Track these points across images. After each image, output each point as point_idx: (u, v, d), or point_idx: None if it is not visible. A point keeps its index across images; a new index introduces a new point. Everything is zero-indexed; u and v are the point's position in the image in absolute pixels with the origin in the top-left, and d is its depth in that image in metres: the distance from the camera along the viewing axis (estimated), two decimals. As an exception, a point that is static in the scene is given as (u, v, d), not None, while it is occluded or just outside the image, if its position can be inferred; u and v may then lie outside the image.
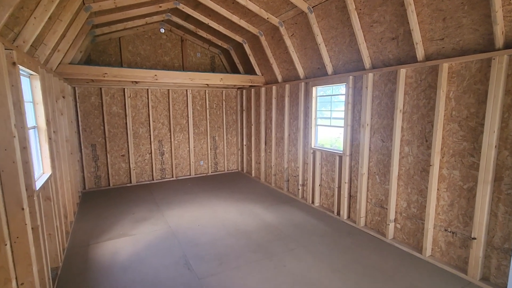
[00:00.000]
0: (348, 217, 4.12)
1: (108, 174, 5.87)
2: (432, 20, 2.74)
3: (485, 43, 2.50)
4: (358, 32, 3.40)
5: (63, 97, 4.18)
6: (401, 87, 3.20)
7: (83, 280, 2.75)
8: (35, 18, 2.32)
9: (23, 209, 1.92)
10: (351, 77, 3.83)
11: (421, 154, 3.11)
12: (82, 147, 5.57)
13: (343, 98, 4.14)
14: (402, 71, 3.17)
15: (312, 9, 3.79)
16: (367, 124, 3.67)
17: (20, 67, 2.21)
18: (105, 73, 4.46)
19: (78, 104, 5.45)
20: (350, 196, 4.08)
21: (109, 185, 5.90)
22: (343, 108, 4.08)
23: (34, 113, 2.79)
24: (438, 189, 2.96)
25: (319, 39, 3.97)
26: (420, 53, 2.95)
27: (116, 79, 4.63)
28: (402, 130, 3.28)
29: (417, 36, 2.88)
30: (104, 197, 5.29)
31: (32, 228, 2.14)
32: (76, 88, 5.40)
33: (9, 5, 1.76)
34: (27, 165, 2.09)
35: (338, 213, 4.25)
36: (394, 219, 3.45)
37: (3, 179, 1.83)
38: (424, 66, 2.97)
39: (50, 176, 2.88)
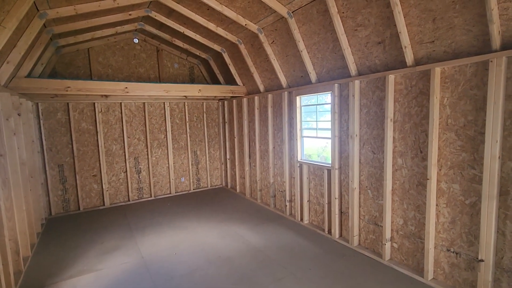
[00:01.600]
0: (340, 235, 3.80)
1: (77, 197, 5.33)
2: (421, 21, 2.53)
3: (479, 45, 2.29)
4: (341, 37, 3.17)
5: (19, 114, 3.71)
6: (390, 95, 2.96)
7: (28, 337, 2.26)
8: (-41, 22, 1.92)
9: None
10: (336, 85, 3.58)
11: (416, 167, 2.85)
12: (47, 169, 5.04)
13: (329, 107, 3.88)
14: (391, 77, 2.94)
15: (292, 14, 3.55)
16: (356, 135, 3.40)
17: None
18: (68, 87, 4.03)
19: (41, 121, 4.95)
20: (341, 212, 3.77)
21: (79, 209, 5.35)
22: (329, 117, 3.81)
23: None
24: (437, 205, 2.69)
25: (301, 45, 3.73)
26: (409, 57, 2.72)
27: (82, 93, 4.20)
28: (394, 141, 3.02)
29: (405, 39, 2.66)
30: (72, 223, 4.75)
31: None
32: (39, 104, 4.92)
33: None
34: None
35: (329, 232, 3.92)
36: (391, 237, 3.14)
37: None
38: (414, 71, 2.74)
39: (-11, 209, 2.41)
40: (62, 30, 3.97)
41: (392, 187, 3.08)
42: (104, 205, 5.57)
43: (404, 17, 2.61)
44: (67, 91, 4.04)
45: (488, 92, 2.22)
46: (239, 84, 5.64)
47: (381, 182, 3.20)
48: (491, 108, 2.21)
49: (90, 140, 5.38)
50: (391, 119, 3.00)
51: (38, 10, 3.19)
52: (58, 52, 4.90)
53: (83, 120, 5.30)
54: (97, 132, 5.40)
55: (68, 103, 5.12)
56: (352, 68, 3.31)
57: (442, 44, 2.50)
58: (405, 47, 2.68)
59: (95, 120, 5.38)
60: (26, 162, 3.84)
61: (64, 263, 3.42)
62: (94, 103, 5.33)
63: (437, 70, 2.54)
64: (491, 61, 2.18)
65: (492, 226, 2.27)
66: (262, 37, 4.17)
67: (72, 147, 5.21)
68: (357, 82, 3.31)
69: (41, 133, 4.95)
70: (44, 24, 3.48)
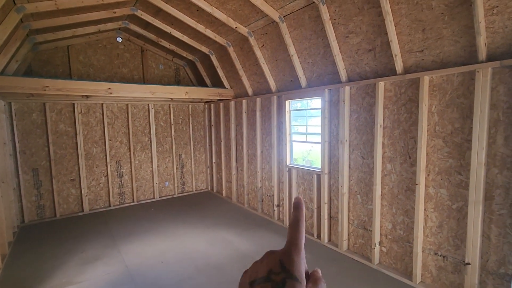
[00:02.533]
0: (329, 240, 3.82)
1: (53, 202, 5.01)
2: (411, 31, 2.60)
3: (466, 55, 2.38)
4: (333, 43, 3.20)
5: (-10, 115, 3.44)
6: (380, 101, 3.02)
7: None
8: None
9: None
10: (326, 90, 3.61)
11: (404, 172, 2.91)
12: (20, 173, 4.70)
13: (318, 112, 3.91)
14: (381, 84, 3.00)
15: (283, 18, 3.55)
16: (346, 140, 3.44)
17: None
18: (46, 86, 3.79)
19: (15, 122, 4.62)
20: (330, 217, 3.79)
21: (55, 215, 5.04)
22: (319, 122, 3.83)
23: None
24: (425, 209, 2.76)
25: (292, 50, 3.73)
26: (399, 65, 2.79)
27: (61, 93, 3.97)
28: (384, 146, 3.08)
29: (395, 47, 2.72)
30: (47, 231, 4.46)
31: None
32: (12, 104, 4.59)
33: None
34: None
35: (319, 236, 3.93)
36: (380, 242, 3.19)
37: None
38: (403, 79, 2.81)
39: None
40: (41, 25, 3.74)
41: (381, 192, 3.13)
42: (83, 211, 5.28)
43: (395, 26, 2.67)
44: (45, 91, 3.79)
45: (475, 101, 2.31)
46: (226, 87, 5.57)
47: (370, 187, 3.25)
48: (477, 117, 2.30)
49: (68, 142, 5.09)
50: (380, 125, 3.06)
51: (15, 3, 2.98)
52: (34, 49, 4.61)
53: (61, 121, 5.01)
54: (76, 134, 5.12)
55: (44, 104, 4.83)
56: (343, 74, 3.35)
57: (430, 54, 2.58)
58: (395, 55, 2.75)
59: (75, 122, 5.10)
60: (-2, 167, 3.56)
61: (40, 275, 3.18)
62: (73, 103, 5.06)
63: (425, 79, 2.62)
64: (477, 72, 2.28)
65: (478, 230, 2.36)
66: (252, 40, 4.15)
67: (49, 149, 4.91)
68: (347, 88, 3.36)
69: (14, 135, 4.62)
70: (21, 19, 3.25)
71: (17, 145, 4.64)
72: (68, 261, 3.49)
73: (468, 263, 2.41)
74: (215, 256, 3.53)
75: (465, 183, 2.47)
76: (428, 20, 2.47)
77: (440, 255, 2.68)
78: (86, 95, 4.64)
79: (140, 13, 4.30)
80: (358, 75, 3.27)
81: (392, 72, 2.91)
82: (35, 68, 4.84)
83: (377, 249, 3.18)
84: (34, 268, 3.34)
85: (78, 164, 5.18)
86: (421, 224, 2.76)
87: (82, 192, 5.24)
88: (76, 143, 5.15)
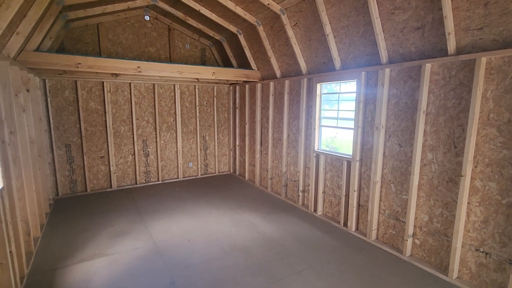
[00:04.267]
0: (357, 229, 3.71)
1: (85, 178, 5.22)
2: (471, 5, 2.33)
3: (535, 34, 2.10)
4: (375, 21, 2.96)
5: (27, 90, 3.54)
6: (425, 85, 2.79)
7: (43, 321, 2.19)
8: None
9: None
10: (363, 72, 3.39)
11: (447, 162, 2.71)
12: (54, 148, 4.90)
13: (349, 96, 3.71)
14: (427, 66, 2.75)
15: (321, -7, 3.31)
16: (382, 126, 3.24)
17: None
18: (79, 63, 3.83)
19: (49, 99, 4.76)
20: (359, 205, 3.67)
21: (86, 190, 5.26)
22: (350, 106, 3.64)
23: (-22, 110, 2.18)
24: (469, 203, 2.57)
25: (328, 29, 3.51)
26: (451, 45, 2.53)
27: (92, 71, 4.01)
28: (425, 134, 2.87)
29: (450, 24, 2.46)
30: (79, 205, 4.66)
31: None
32: (47, 81, 4.72)
33: None
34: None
35: (345, 224, 3.83)
36: (413, 233, 3.05)
37: None
38: (455, 61, 2.56)
39: (2, 189, 2.29)
40: (73, 1, 3.73)
41: (419, 182, 2.96)
42: (111, 187, 5.47)
43: (452, 0, 2.40)
44: (77, 67, 3.84)
45: (542, 86, 2.05)
46: (253, 68, 5.42)
47: (406, 177, 3.08)
48: (544, 104, 2.05)
49: (98, 120, 5.22)
50: (423, 111, 2.84)
51: (49, -23, 2.95)
52: (66, 26, 4.66)
53: (91, 99, 5.12)
54: (105, 112, 5.23)
55: (76, 81, 4.93)
56: (384, 55, 3.11)
57: (491, 32, 2.30)
58: (449, 33, 2.49)
59: (104, 100, 5.19)
60: (35, 141, 3.69)
61: (74, 245, 3.33)
62: (103, 82, 5.13)
63: (483, 60, 2.36)
64: (550, 52, 2.00)
65: (532, 228, 2.16)
66: (284, 18, 3.94)
67: (80, 126, 5.05)
68: (387, 70, 3.13)
69: (48, 111, 4.78)
70: (55, -7, 3.24)
71: (51, 121, 4.81)
72: (99, 234, 3.63)
73: (517, 263, 2.24)
74: (241, 238, 3.54)
75: (520, 177, 2.25)
76: (493, -8, 2.18)
77: (483, 252, 2.51)
78: (115, 74, 4.68)
79: (169, -11, 4.18)
80: (401, 56, 3.02)
81: (442, 53, 2.65)
82: (67, 46, 4.91)
83: (409, 241, 3.05)
84: (68, 238, 3.51)
85: (107, 141, 5.32)
86: (463, 218, 2.58)
87: (111, 169, 5.40)
88: (105, 121, 5.26)
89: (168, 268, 2.88)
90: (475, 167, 2.51)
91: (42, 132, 4.35)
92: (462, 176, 2.54)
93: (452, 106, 2.65)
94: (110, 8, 4.51)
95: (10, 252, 2.30)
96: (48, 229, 3.77)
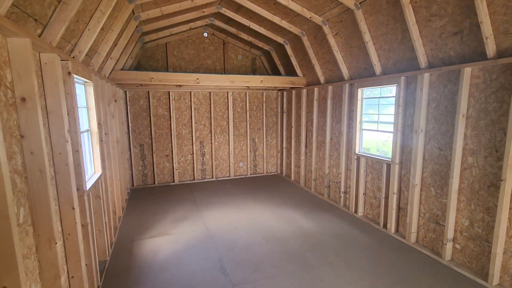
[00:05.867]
0: (396, 231, 3.75)
1: (153, 172, 6.20)
2: (508, 10, 2.33)
3: None
4: (412, 28, 3.06)
5: (115, 100, 4.50)
6: (465, 89, 2.79)
7: (126, 276, 2.89)
8: (89, 29, 2.49)
9: (73, 208, 2.06)
10: (403, 77, 3.47)
11: (489, 166, 2.67)
12: (131, 147, 5.97)
13: (390, 100, 3.78)
14: (467, 70, 2.76)
15: (359, 5, 3.52)
16: (421, 130, 3.28)
17: (75, 76, 2.39)
18: (152, 78, 4.70)
19: (128, 106, 5.84)
20: (399, 208, 3.71)
21: (154, 183, 6.24)
22: (390, 111, 3.72)
23: (88, 117, 3.02)
24: (510, 208, 2.51)
25: (367, 37, 3.68)
26: (490, 49, 2.53)
27: (161, 83, 4.86)
28: (465, 138, 2.86)
29: (487, 29, 2.47)
30: (149, 195, 5.60)
31: (82, 225, 2.30)
32: (127, 92, 5.80)
33: (64, 19, 1.89)
34: (79, 167, 2.24)
35: (385, 226, 3.90)
36: (453, 238, 3.03)
37: (57, 181, 1.98)
38: (495, 64, 2.54)
39: (100, 176, 3.09)
40: (149, 28, 4.61)
41: (459, 186, 2.94)
42: (174, 181, 6.37)
43: (488, 6, 2.42)
44: (151, 81, 4.71)
45: None
46: (299, 75, 5.76)
47: (446, 180, 3.07)
48: None
49: (164, 124, 6.16)
50: (463, 115, 2.84)
51: (134, 13, 3.79)
52: (142, 47, 5.68)
53: (159, 106, 6.08)
54: (170, 117, 6.14)
55: (148, 92, 5.93)
56: (422, 60, 3.18)
57: (532, 34, 2.27)
58: (487, 38, 2.50)
59: (169, 107, 6.12)
60: (120, 140, 4.65)
61: (146, 225, 4.13)
62: (169, 91, 6.05)
63: (523, 63, 2.33)
64: None
65: None
66: (326, 28, 4.21)
67: (151, 129, 6.05)
68: (426, 75, 3.18)
69: (127, 117, 5.86)
70: (136, 25, 4.10)
71: (129, 125, 5.89)
72: (164, 218, 4.39)
73: (561, 272, 2.15)
74: (280, 230, 3.91)
75: None
76: (531, -4, 2.17)
77: (526, 260, 2.43)
78: (179, 85, 5.51)
79: (224, 10, 4.82)
80: (441, 61, 3.05)
81: (482, 56, 2.65)
82: (143, 63, 5.95)
83: (449, 245, 3.03)
84: (142, 219, 4.34)
85: (171, 142, 6.23)
86: (504, 223, 2.53)
87: (174, 166, 6.30)
88: (170, 125, 6.17)
89: (217, 248, 3.41)
90: (517, 171, 2.45)
91: (123, 134, 5.38)
92: (502, 180, 2.50)
93: (493, 110, 2.62)
94: (176, 30, 5.37)
95: (105, 222, 3.10)
96: (127, 211, 4.70)
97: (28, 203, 1.58)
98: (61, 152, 1.97)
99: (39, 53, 1.83)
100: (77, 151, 2.22)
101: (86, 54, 2.83)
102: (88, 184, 2.59)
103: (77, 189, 2.21)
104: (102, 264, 3.04)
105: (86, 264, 2.37)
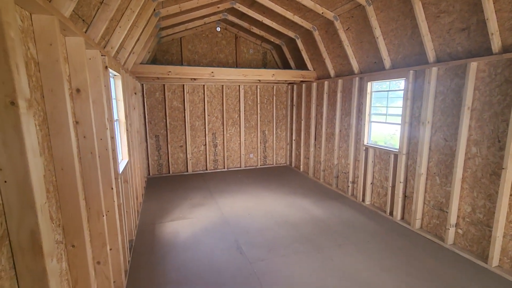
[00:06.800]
0: (402, 218, 3.95)
1: (168, 162, 6.49)
2: (513, 7, 2.46)
3: None
4: (422, 24, 3.20)
5: (135, 93, 4.75)
6: (470, 82, 2.94)
7: (151, 253, 3.18)
8: (120, 27, 2.72)
9: (112, 188, 2.32)
10: (411, 71, 3.62)
11: (491, 156, 2.84)
12: (148, 138, 6.25)
13: (400, 93, 3.94)
14: (473, 65, 2.91)
15: (370, 1, 3.66)
16: (428, 122, 3.45)
17: (109, 69, 2.63)
18: (169, 71, 4.93)
19: (145, 99, 6.10)
20: (405, 196, 3.90)
21: (169, 172, 6.53)
22: (398, 104, 3.88)
23: (116, 108, 3.27)
24: (511, 195, 2.69)
25: (377, 32, 3.82)
26: (496, 44, 2.67)
27: (177, 77, 5.09)
28: (470, 129, 3.02)
29: (493, 25, 2.61)
30: (165, 183, 5.89)
31: (117, 205, 2.57)
32: (144, 85, 6.05)
33: (105, 19, 2.12)
34: (114, 152, 2.50)
35: (391, 213, 4.10)
36: (456, 223, 3.22)
37: (100, 163, 2.23)
38: (500, 59, 2.68)
39: (128, 162, 3.36)
40: (166, 24, 4.82)
41: (463, 175, 3.11)
42: (187, 171, 6.65)
43: (494, 3, 2.56)
44: (168, 75, 4.95)
45: None
46: (310, 69, 5.91)
47: (450, 170, 3.25)
48: None
49: (179, 116, 6.41)
50: (468, 107, 2.99)
51: (154, 10, 4.00)
52: (159, 42, 5.90)
53: (174, 99, 6.33)
54: (184, 109, 6.39)
55: (164, 85, 6.17)
56: (431, 55, 3.32)
57: (535, 31, 2.41)
58: (492, 34, 2.64)
59: (184, 100, 6.36)
60: (139, 131, 4.92)
61: (165, 210, 4.41)
62: (183, 85, 6.29)
63: (526, 58, 2.47)
64: None
65: None
66: (337, 24, 4.36)
67: (166, 121, 6.31)
68: (434, 69, 3.32)
69: (144, 109, 6.12)
70: (156, 21, 4.32)
71: (146, 116, 6.15)
72: (181, 204, 4.67)
73: (554, 252, 2.33)
74: (291, 216, 4.14)
75: None
76: (535, -6, 2.30)
77: (524, 243, 2.61)
78: (194, 78, 5.73)
79: (237, 6, 4.99)
80: (449, 56, 3.19)
81: (488, 51, 2.79)
82: (158, 57, 6.18)
83: (452, 230, 3.22)
84: (160, 205, 4.63)
85: (185, 134, 6.49)
86: (504, 209, 2.71)
87: (188, 156, 6.57)
88: (184, 117, 6.42)
89: (233, 231, 3.67)
90: (518, 160, 2.62)
91: (141, 125, 5.66)
92: (503, 169, 2.67)
93: (497, 102, 2.77)
94: (190, 25, 5.57)
95: (131, 205, 3.37)
96: (146, 197, 5.00)
97: (81, 180, 1.84)
98: (102, 137, 2.22)
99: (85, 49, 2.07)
100: (112, 138, 2.47)
101: (116, 50, 3.06)
102: (120, 168, 2.85)
103: (114, 172, 2.46)
104: (130, 243, 3.33)
105: (121, 239, 2.64)
